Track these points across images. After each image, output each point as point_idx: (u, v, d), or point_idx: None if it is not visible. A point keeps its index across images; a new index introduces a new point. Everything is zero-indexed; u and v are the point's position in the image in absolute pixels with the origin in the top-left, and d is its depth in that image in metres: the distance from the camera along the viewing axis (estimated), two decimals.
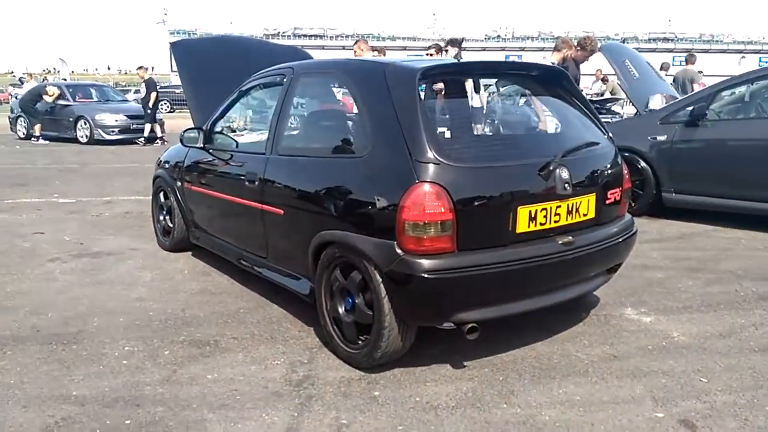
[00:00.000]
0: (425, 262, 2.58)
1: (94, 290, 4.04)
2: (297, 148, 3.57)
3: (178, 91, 26.73)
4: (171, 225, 4.84)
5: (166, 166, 4.87)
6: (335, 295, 3.01)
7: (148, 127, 14.07)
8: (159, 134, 14.32)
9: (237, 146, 4.04)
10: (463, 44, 3.80)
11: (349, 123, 3.52)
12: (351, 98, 3.33)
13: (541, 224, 2.84)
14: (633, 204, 5.65)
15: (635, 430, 2.40)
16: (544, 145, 3.35)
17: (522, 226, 2.78)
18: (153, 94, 13.84)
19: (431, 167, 2.63)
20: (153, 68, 66.26)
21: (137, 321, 3.51)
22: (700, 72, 11.15)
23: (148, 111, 13.99)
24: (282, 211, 3.31)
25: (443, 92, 3.48)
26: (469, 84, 3.84)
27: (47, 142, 14.60)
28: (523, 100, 4.17)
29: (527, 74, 3.63)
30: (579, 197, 2.98)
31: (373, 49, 8.18)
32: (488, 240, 2.74)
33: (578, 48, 6.64)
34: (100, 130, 14.22)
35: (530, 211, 2.79)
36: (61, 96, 15.09)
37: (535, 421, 2.47)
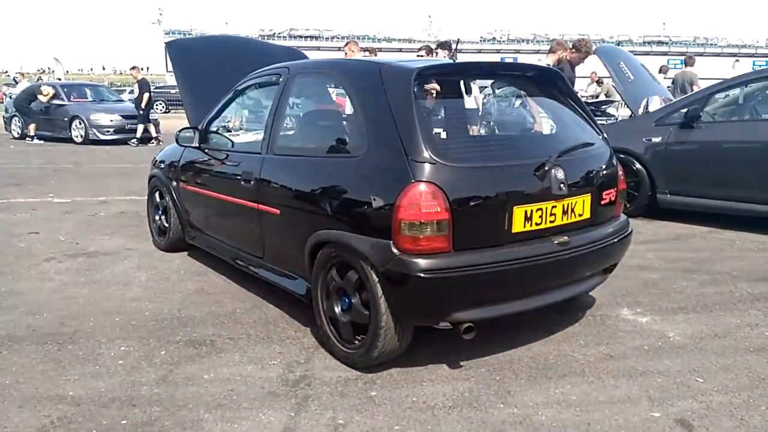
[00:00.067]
0: (421, 262, 2.58)
1: (90, 290, 4.03)
2: (293, 148, 3.57)
3: (173, 91, 26.69)
4: (167, 225, 4.82)
5: (162, 165, 4.86)
6: (332, 294, 3.01)
7: (140, 127, 14.00)
8: (153, 134, 14.28)
9: (233, 146, 4.04)
10: (459, 46, 3.80)
11: (345, 123, 3.53)
12: (346, 98, 3.33)
13: (536, 224, 2.85)
14: (628, 205, 5.65)
15: (631, 430, 2.41)
16: (539, 146, 3.36)
17: (518, 225, 2.79)
18: (146, 95, 13.79)
19: (427, 167, 2.63)
20: (148, 68, 66.16)
21: (133, 321, 3.50)
22: None
23: (141, 111, 13.93)
24: (278, 211, 3.31)
25: (434, 93, 3.49)
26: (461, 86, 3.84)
27: (42, 141, 14.54)
28: (518, 102, 4.18)
29: (522, 75, 3.65)
30: (574, 197, 2.99)
31: (365, 49, 8.19)
32: (484, 240, 2.75)
33: (573, 50, 6.66)
34: (95, 130, 14.16)
35: (526, 211, 2.80)
36: (55, 96, 15.01)
37: (531, 421, 2.48)
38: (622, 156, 5.28)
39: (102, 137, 14.15)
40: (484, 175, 2.81)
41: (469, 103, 4.31)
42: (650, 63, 9.31)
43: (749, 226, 5.53)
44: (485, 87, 7.00)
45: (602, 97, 14.61)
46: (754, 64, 45.94)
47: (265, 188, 3.42)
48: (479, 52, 60.00)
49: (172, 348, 3.15)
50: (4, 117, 16.61)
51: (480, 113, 4.51)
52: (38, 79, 26.23)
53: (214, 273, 4.39)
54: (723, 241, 5.30)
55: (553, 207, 2.90)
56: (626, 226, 3.39)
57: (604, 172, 3.24)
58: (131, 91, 15.55)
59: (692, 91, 9.61)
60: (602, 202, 3.18)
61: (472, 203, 2.71)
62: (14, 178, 8.96)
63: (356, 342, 2.91)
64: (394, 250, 2.62)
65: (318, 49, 52.80)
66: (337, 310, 2.98)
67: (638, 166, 6.08)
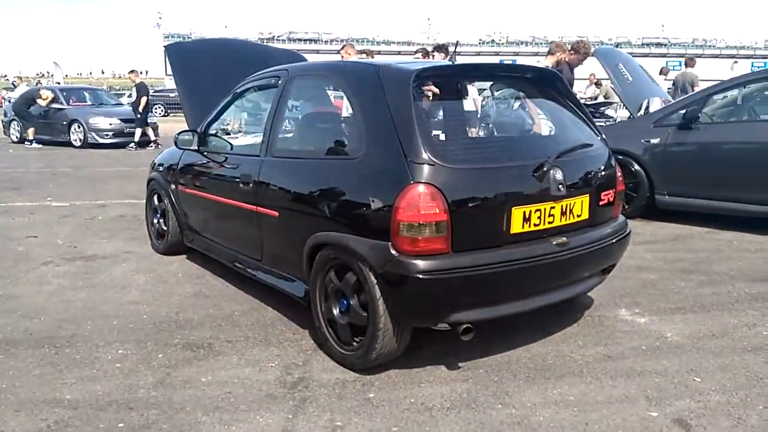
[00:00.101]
0: (420, 263, 2.58)
1: (88, 293, 4.03)
2: (292, 150, 3.57)
3: (172, 94, 26.74)
4: (165, 228, 4.82)
5: (160, 169, 4.86)
6: (330, 296, 3.01)
7: (138, 131, 13.99)
8: (152, 138, 14.28)
9: (231, 148, 4.04)
10: (457, 48, 3.80)
11: (344, 125, 3.53)
12: (345, 100, 3.33)
13: (535, 225, 2.85)
14: (627, 206, 5.66)
15: (629, 430, 2.41)
16: (538, 147, 3.36)
17: (516, 226, 2.79)
18: (143, 99, 13.78)
19: (426, 168, 2.63)
20: (147, 72, 66.23)
21: (131, 324, 3.50)
22: None
23: (138, 115, 13.92)
24: (277, 213, 3.31)
25: (431, 95, 3.49)
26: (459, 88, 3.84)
27: (40, 145, 14.54)
28: (517, 103, 4.18)
29: (521, 77, 3.65)
30: (573, 198, 2.99)
31: (362, 52, 8.20)
32: (483, 241, 2.75)
33: (572, 51, 6.67)
34: (94, 134, 14.16)
35: (524, 212, 2.80)
36: (54, 100, 15.03)
37: (529, 421, 2.47)
38: (620, 157, 5.28)
39: (101, 141, 14.16)
40: (483, 177, 2.81)
41: (468, 105, 4.31)
42: (649, 65, 9.32)
43: (747, 227, 5.53)
44: (484, 89, 7.02)
45: (601, 99, 14.61)
46: (752, 65, 46.04)
47: (264, 191, 3.42)
48: (478, 55, 60.13)
49: (169, 351, 3.15)
50: (2, 121, 16.64)
51: (479, 115, 4.51)
52: (37, 83, 26.25)
53: (212, 276, 4.39)
54: (721, 242, 5.30)
55: (552, 208, 2.90)
56: (624, 227, 3.39)
57: (603, 173, 3.24)
58: (130, 95, 15.53)
59: (693, 92, 9.62)
60: (601, 203, 3.19)
61: (470, 204, 2.71)
62: (13, 182, 8.96)
63: (354, 344, 2.91)
64: (393, 252, 2.62)
65: (317, 52, 52.87)
66: (336, 312, 2.98)
67: (637, 167, 6.09)
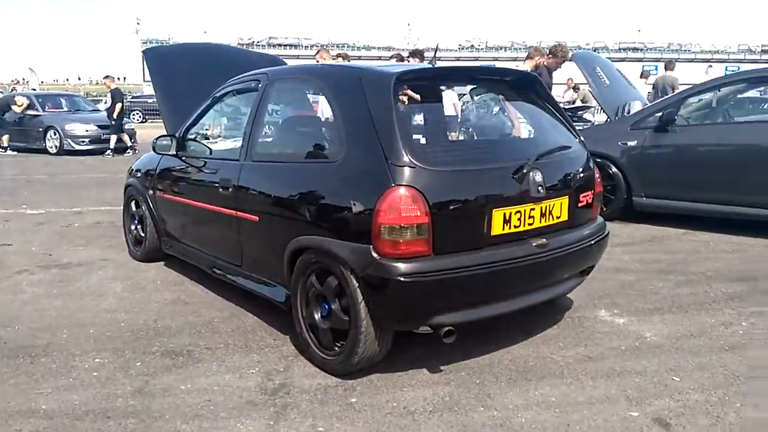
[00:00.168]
0: (401, 266, 2.58)
1: (63, 302, 3.96)
2: (272, 154, 3.55)
3: (150, 100, 26.48)
4: (143, 234, 4.76)
5: (138, 174, 4.80)
6: (311, 301, 2.99)
7: (113, 138, 13.82)
8: (128, 143, 14.11)
9: (210, 153, 4.00)
10: (437, 53, 3.80)
11: (324, 128, 3.52)
12: (322, 102, 3.32)
13: (515, 227, 2.86)
14: (605, 208, 5.72)
15: (610, 430, 2.42)
16: (517, 149, 3.38)
17: (497, 228, 2.80)
18: (118, 105, 13.64)
19: (407, 171, 2.63)
20: (125, 78, 65.50)
21: (108, 332, 3.44)
22: None
23: (113, 122, 13.75)
24: (257, 218, 3.28)
25: (407, 99, 3.49)
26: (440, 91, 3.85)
27: (15, 153, 14.31)
28: (496, 107, 4.20)
29: (501, 80, 3.67)
30: (552, 200, 3.01)
31: (338, 56, 8.19)
32: (464, 243, 2.75)
33: (550, 55, 6.73)
34: (70, 141, 13.96)
35: (505, 214, 2.81)
36: (30, 106, 14.81)
37: (511, 423, 2.48)
38: (598, 160, 5.33)
39: (77, 148, 13.96)
40: (464, 179, 2.81)
41: (448, 109, 4.33)
42: (626, 69, 9.44)
43: (723, 228, 5.61)
44: (464, 94, 7.05)
45: (578, 103, 14.77)
46: (726, 69, 46.87)
47: (244, 195, 3.39)
48: (458, 60, 60.43)
49: (148, 359, 3.10)
50: None
51: (459, 119, 4.52)
52: (12, 90, 25.82)
53: (191, 282, 4.34)
54: (697, 243, 5.37)
55: (532, 210, 2.92)
56: (603, 229, 3.42)
57: (581, 174, 3.26)
58: (107, 101, 15.35)
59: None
60: (579, 205, 3.21)
61: (451, 207, 2.72)
62: None
63: (336, 348, 2.89)
64: (374, 255, 2.61)
65: (297, 57, 52.72)
66: (317, 316, 2.96)
67: (614, 169, 6.15)
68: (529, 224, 2.92)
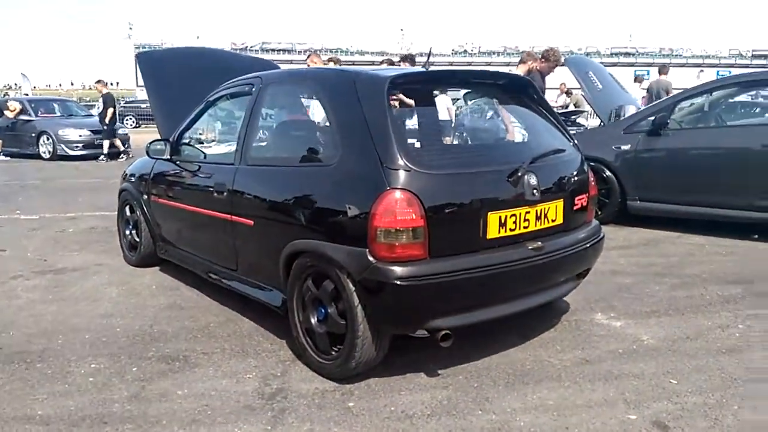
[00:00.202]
0: (397, 269, 2.57)
1: (59, 307, 3.93)
2: (266, 158, 3.54)
3: (143, 105, 26.42)
4: (137, 239, 4.74)
5: (132, 179, 4.78)
6: (307, 305, 2.98)
7: (106, 143, 13.75)
8: (121, 148, 14.05)
9: (205, 157, 3.99)
10: (430, 57, 3.81)
11: (319, 131, 3.52)
12: (315, 106, 3.31)
13: (511, 230, 2.86)
14: (599, 212, 5.73)
15: None
16: (512, 153, 3.39)
17: (492, 231, 2.80)
18: (110, 110, 13.59)
19: (402, 174, 2.63)
20: (118, 83, 65.33)
21: (104, 338, 3.42)
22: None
23: (105, 127, 13.70)
24: (252, 222, 3.28)
25: (399, 104, 3.50)
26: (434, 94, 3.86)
27: (8, 158, 14.22)
28: (490, 112, 4.22)
29: (494, 83, 3.67)
30: (547, 203, 3.01)
31: (329, 60, 8.21)
32: (460, 246, 2.75)
33: (542, 59, 6.75)
34: (63, 146, 13.88)
35: (500, 217, 2.82)
36: (22, 111, 14.72)
37: (510, 426, 2.47)
38: (592, 164, 5.35)
39: (71, 153, 13.88)
40: (459, 182, 2.82)
41: (442, 114, 4.33)
42: (618, 74, 9.49)
43: (717, 231, 5.63)
44: (457, 99, 7.07)
45: (571, 108, 14.84)
46: (718, 74, 47.18)
47: (239, 199, 3.38)
48: (451, 65, 60.59)
49: (144, 364, 3.08)
50: None
51: (453, 124, 4.53)
52: (4, 95, 25.72)
53: (187, 287, 4.32)
54: (692, 246, 5.39)
55: (527, 213, 2.92)
56: (598, 232, 3.43)
57: (576, 177, 3.27)
58: (98, 106, 15.27)
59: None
60: (574, 208, 3.22)
61: (447, 210, 2.72)
62: None
63: (333, 353, 2.88)
64: (370, 258, 2.60)
65: (291, 62, 52.66)
66: (314, 320, 2.95)
67: (608, 173, 6.17)
68: (525, 227, 2.93)
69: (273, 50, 64.93)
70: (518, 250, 2.89)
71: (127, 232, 4.91)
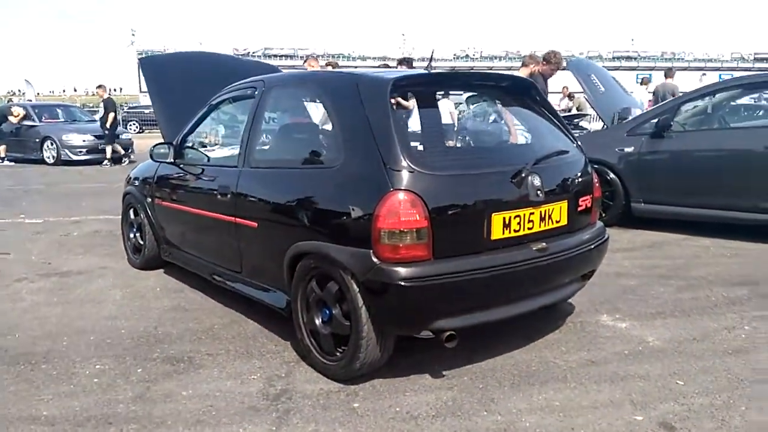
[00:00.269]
0: (402, 270, 2.57)
1: (63, 309, 3.94)
2: (269, 161, 3.55)
3: (147, 111, 26.45)
4: (142, 242, 4.75)
5: (136, 182, 4.79)
6: (312, 307, 2.98)
7: (109, 148, 13.78)
8: (122, 152, 14.08)
9: (208, 160, 4.00)
10: (432, 62, 3.83)
11: (322, 134, 3.52)
12: (315, 108, 3.31)
13: (515, 231, 2.86)
14: (603, 215, 5.73)
15: None
16: (515, 154, 3.39)
17: (497, 232, 2.80)
18: (111, 115, 13.63)
19: (405, 175, 2.63)
20: (121, 89, 65.50)
21: (108, 339, 3.43)
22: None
23: (106, 132, 13.73)
24: (256, 224, 3.28)
25: (398, 105, 3.50)
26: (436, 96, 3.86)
27: (12, 163, 14.28)
28: (493, 114, 4.22)
29: (496, 85, 3.67)
30: (551, 204, 3.01)
31: (327, 64, 8.22)
32: (464, 247, 2.75)
33: (544, 62, 6.76)
34: (67, 151, 13.94)
35: (504, 218, 2.81)
36: (26, 117, 14.80)
37: (515, 427, 2.46)
38: (596, 166, 5.35)
39: (74, 158, 13.93)
40: (463, 183, 2.82)
41: (445, 118, 4.34)
42: (620, 77, 9.50)
43: (722, 233, 5.62)
44: (460, 103, 7.08)
45: (574, 111, 14.83)
46: (720, 77, 47.20)
47: (242, 201, 3.38)
48: (452, 69, 60.68)
49: (149, 365, 3.08)
50: None
51: (456, 128, 4.53)
52: (8, 101, 25.81)
53: (191, 289, 4.32)
54: (697, 248, 5.38)
55: (531, 214, 2.92)
56: (603, 233, 3.42)
57: (580, 179, 3.27)
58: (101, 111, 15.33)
59: None
60: (578, 209, 3.21)
61: (451, 211, 2.72)
62: None
63: (338, 354, 2.88)
64: (374, 259, 2.60)
65: (293, 68, 52.79)
66: (318, 322, 2.95)
67: (612, 175, 6.16)
68: (529, 228, 2.92)
69: (275, 56, 64.99)
70: (522, 251, 2.88)
71: (131, 235, 4.92)
